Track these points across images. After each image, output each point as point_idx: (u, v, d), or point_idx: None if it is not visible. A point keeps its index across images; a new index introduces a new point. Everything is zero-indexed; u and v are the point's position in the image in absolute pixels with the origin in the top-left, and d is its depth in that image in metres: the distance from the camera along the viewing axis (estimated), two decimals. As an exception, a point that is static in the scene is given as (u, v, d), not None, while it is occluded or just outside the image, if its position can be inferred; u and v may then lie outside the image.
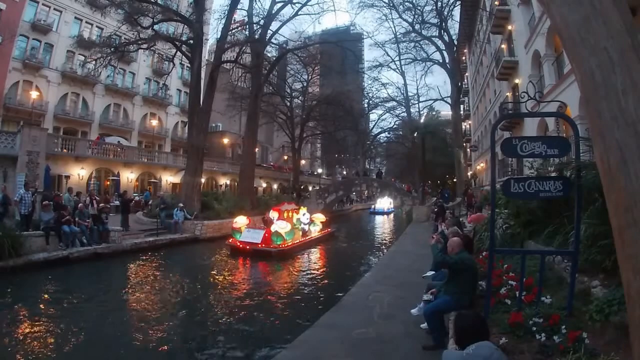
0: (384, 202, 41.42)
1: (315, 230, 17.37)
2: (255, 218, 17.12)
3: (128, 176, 25.82)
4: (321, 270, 12.02)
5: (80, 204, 12.52)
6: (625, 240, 2.01)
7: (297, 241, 14.92)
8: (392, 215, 39.02)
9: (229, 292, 9.12)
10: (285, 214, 16.06)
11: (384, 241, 19.86)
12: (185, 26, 20.71)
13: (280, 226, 14.01)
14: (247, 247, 13.53)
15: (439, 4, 28.48)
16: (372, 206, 44.30)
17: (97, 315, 6.96)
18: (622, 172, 1.95)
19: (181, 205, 16.59)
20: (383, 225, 30.31)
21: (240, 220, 15.03)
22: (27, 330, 6.13)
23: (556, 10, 2.22)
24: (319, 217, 18.43)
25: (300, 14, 26.13)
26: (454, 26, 32.23)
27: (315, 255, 14.70)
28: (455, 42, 31.62)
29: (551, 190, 4.13)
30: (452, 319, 4.26)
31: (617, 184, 2.00)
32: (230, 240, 14.28)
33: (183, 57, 21.21)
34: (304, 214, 17.18)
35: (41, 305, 7.50)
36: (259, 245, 13.45)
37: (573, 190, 4.13)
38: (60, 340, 5.77)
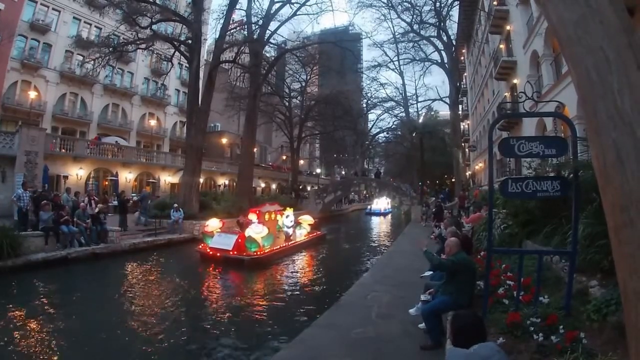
0: (381, 202, 40.16)
1: (301, 234, 15.71)
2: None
3: (126, 176, 25.78)
4: (300, 282, 10.45)
5: (82, 204, 12.56)
6: (621, 240, 2.01)
7: (278, 247, 13.28)
8: (389, 216, 38.11)
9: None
10: (267, 216, 14.22)
11: (379, 245, 18.45)
12: (184, 26, 20.68)
13: (255, 231, 12.23)
14: (218, 254, 11.98)
15: (438, 4, 28.56)
16: (368, 206, 42.30)
17: (94, 316, 6.95)
18: (618, 172, 1.95)
19: (176, 205, 16.61)
20: (379, 226, 29.80)
21: (213, 224, 13.59)
22: (26, 330, 6.11)
23: (552, 10, 2.22)
24: (307, 219, 16.75)
25: (299, 14, 26.24)
26: (452, 26, 32.32)
27: (298, 264, 13.04)
28: (454, 42, 31.65)
29: (549, 190, 4.14)
30: (450, 319, 4.26)
31: (613, 183, 2.00)
32: (200, 246, 12.87)
33: (181, 57, 21.19)
34: (287, 216, 15.43)
35: (39, 306, 7.48)
36: (231, 253, 11.88)
37: (571, 190, 4.13)
38: (58, 341, 5.76)
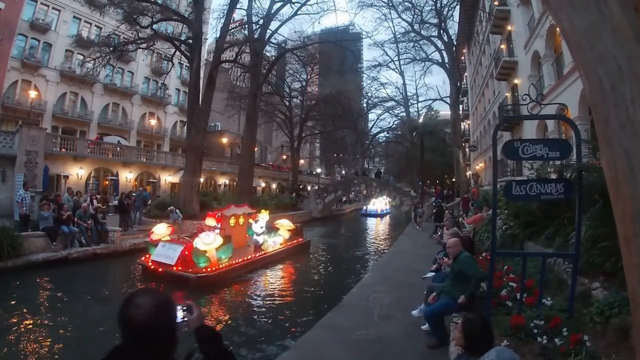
0: (380, 203, 38.46)
1: (277, 242, 12.77)
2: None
3: (127, 176, 25.74)
4: (259, 311, 7.99)
5: (84, 204, 12.55)
6: (631, 250, 2.00)
7: (240, 260, 10.57)
8: (387, 218, 36.36)
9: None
10: (232, 221, 11.81)
11: (374, 253, 16.14)
12: (185, 25, 20.64)
13: (204, 241, 9.53)
14: (160, 269, 9.51)
15: (439, 4, 28.59)
16: (365, 207, 39.78)
17: (93, 316, 6.95)
18: (629, 181, 1.94)
19: (171, 207, 16.47)
20: (376, 228, 28.84)
21: (159, 230, 10.82)
22: (26, 331, 6.11)
23: (564, 17, 2.20)
24: (285, 225, 13.74)
25: (300, 14, 26.17)
26: (453, 26, 32.36)
27: (267, 282, 10.50)
28: (455, 42, 31.66)
29: (552, 192, 4.15)
30: (454, 320, 4.25)
31: (624, 192, 1.99)
32: (143, 258, 10.32)
33: (182, 56, 21.15)
34: (257, 221, 12.50)
35: (40, 306, 7.49)
36: (174, 268, 9.37)
37: (574, 193, 4.14)
38: (57, 341, 5.76)
